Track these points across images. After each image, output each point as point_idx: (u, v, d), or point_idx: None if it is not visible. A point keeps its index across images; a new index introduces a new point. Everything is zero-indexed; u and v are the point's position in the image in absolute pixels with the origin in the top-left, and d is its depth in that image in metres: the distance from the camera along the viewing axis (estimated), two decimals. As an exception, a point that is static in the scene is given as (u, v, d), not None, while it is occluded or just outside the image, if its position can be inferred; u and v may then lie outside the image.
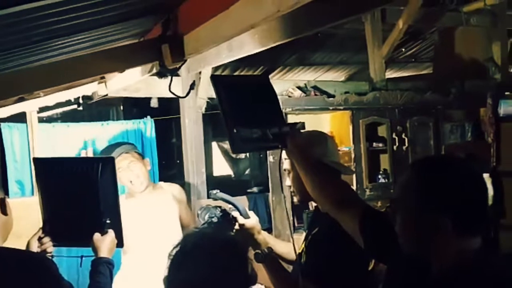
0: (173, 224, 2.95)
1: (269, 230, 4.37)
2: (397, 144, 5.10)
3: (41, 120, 4.55)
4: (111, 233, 1.92)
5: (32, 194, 4.11)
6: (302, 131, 1.84)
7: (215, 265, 1.25)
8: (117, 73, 3.66)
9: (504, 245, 2.99)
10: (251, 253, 1.85)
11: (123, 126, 4.65)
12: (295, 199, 2.00)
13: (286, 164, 1.95)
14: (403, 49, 6.92)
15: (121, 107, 6.71)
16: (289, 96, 4.88)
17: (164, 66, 2.64)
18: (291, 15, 1.99)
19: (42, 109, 4.44)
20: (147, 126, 4.69)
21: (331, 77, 7.36)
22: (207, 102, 4.47)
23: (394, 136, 5.09)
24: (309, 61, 6.94)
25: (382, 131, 5.18)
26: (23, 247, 1.87)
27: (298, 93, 4.95)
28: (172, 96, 3.03)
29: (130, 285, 2.78)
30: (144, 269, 2.78)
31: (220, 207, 2.05)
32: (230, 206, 2.05)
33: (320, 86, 5.24)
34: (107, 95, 4.38)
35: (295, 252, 1.82)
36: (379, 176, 5.10)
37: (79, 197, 1.96)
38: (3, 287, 1.54)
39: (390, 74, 7.11)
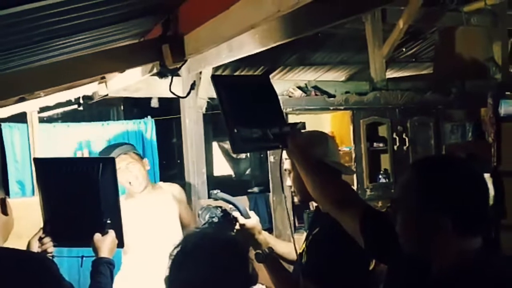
0: (173, 224, 2.95)
1: (269, 230, 4.37)
2: (397, 144, 5.10)
3: (41, 120, 4.55)
4: (111, 233, 1.92)
5: (33, 194, 4.11)
6: (302, 131, 1.83)
7: (216, 265, 1.25)
8: (117, 73, 3.66)
9: (504, 246, 2.99)
10: (252, 253, 1.85)
11: (124, 126, 4.65)
12: (296, 199, 2.00)
13: (286, 164, 1.95)
14: (404, 49, 6.92)
15: (122, 107, 6.71)
16: (290, 96, 4.88)
17: (165, 66, 2.65)
18: (291, 15, 1.99)
19: (42, 109, 4.44)
20: (147, 126, 4.69)
21: (332, 77, 7.36)
22: (208, 102, 4.47)
23: (394, 136, 5.09)
24: (310, 61, 6.94)
25: (382, 131, 5.17)
26: (24, 247, 1.87)
27: (298, 93, 4.95)
28: (173, 96, 3.04)
29: (131, 285, 2.78)
30: (145, 269, 2.78)
31: (220, 207, 2.05)
32: (231, 206, 2.05)
33: (321, 86, 5.24)
34: (107, 95, 4.38)
35: (296, 252, 1.82)
36: (380, 176, 5.10)
37: (80, 197, 1.96)
38: (3, 287, 1.54)
39: (390, 74, 7.10)
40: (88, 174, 1.94)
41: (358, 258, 1.69)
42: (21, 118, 4.23)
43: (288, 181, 1.96)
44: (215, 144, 7.40)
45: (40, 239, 1.92)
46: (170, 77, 2.80)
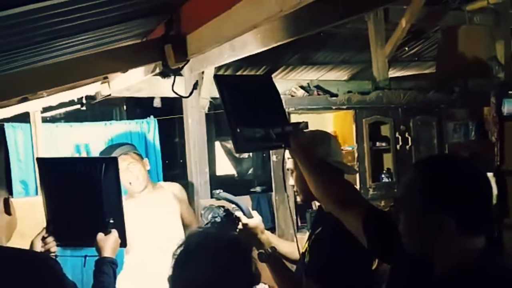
0: (174, 223, 2.96)
1: (272, 229, 4.37)
2: (400, 143, 5.09)
3: (44, 120, 4.56)
4: (114, 232, 1.92)
5: (36, 193, 4.11)
6: (305, 130, 1.84)
7: (219, 264, 1.25)
8: (120, 73, 3.67)
9: (508, 245, 2.98)
10: (255, 253, 1.85)
11: (126, 126, 4.65)
12: (298, 199, 2.00)
13: (289, 164, 1.95)
14: (406, 48, 6.90)
15: (124, 107, 6.71)
16: (292, 96, 4.88)
17: (167, 66, 2.65)
18: (294, 15, 1.99)
19: (45, 109, 4.45)
20: (150, 126, 4.69)
21: (334, 76, 7.35)
22: (210, 101, 4.47)
23: (397, 135, 5.08)
24: (312, 61, 6.93)
25: (385, 130, 5.17)
26: (27, 247, 1.87)
27: (301, 92, 4.95)
28: (175, 96, 3.04)
29: (133, 285, 2.79)
30: (147, 268, 2.79)
31: (223, 206, 2.05)
32: (233, 205, 2.06)
33: (323, 86, 5.24)
34: (110, 95, 4.39)
35: (299, 251, 1.82)
36: (383, 176, 5.10)
37: (83, 197, 1.97)
38: (7, 286, 1.55)
39: (393, 73, 7.09)
40: (90, 173, 1.94)
41: (361, 258, 1.69)
42: (24, 118, 4.24)
43: (291, 181, 1.96)
44: (217, 144, 7.41)
45: (43, 238, 1.92)
46: (172, 77, 2.80)
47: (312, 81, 5.33)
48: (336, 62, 7.11)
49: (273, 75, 6.26)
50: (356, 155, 4.93)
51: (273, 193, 4.57)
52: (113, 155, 2.66)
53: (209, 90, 4.31)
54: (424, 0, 5.07)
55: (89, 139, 4.41)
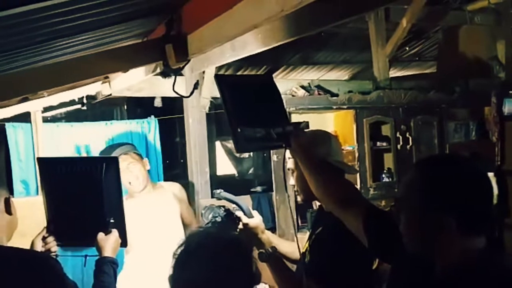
0: (174, 223, 2.97)
1: (272, 229, 4.37)
2: (401, 143, 5.09)
3: (45, 120, 4.56)
4: (115, 232, 1.92)
5: (37, 193, 4.12)
6: (306, 130, 1.84)
7: (219, 264, 1.25)
8: (121, 73, 3.67)
9: (508, 245, 2.98)
10: (255, 253, 1.85)
11: (127, 126, 4.65)
12: (299, 198, 2.00)
13: (290, 163, 1.95)
14: (407, 48, 6.89)
15: (125, 107, 6.71)
16: (293, 95, 4.88)
17: (168, 66, 2.65)
18: (295, 14, 1.99)
19: (46, 109, 4.45)
20: (151, 125, 4.69)
21: (335, 76, 7.35)
22: (211, 101, 4.47)
23: (398, 135, 5.08)
24: (313, 60, 6.93)
25: (386, 130, 5.17)
26: (28, 246, 1.87)
27: (301, 92, 4.95)
28: (176, 95, 3.04)
29: (133, 284, 2.79)
30: (147, 268, 2.79)
31: (223, 206, 2.05)
32: (234, 205, 2.06)
33: (324, 85, 5.23)
34: (111, 94, 4.39)
35: (299, 251, 1.82)
36: (383, 175, 5.09)
37: (83, 196, 1.97)
38: (7, 286, 1.55)
39: (394, 73, 7.09)
40: (91, 173, 1.94)
41: (361, 257, 1.69)
42: (25, 117, 4.24)
43: (291, 180, 1.96)
44: (218, 144, 7.40)
45: (44, 238, 1.93)
46: (173, 77, 2.80)
47: (312, 81, 5.33)
48: (336, 62, 7.10)
49: (273, 75, 6.27)
50: (356, 155, 4.93)
51: (274, 193, 4.57)
52: (113, 155, 2.66)
53: (210, 90, 4.31)
54: (425, 0, 5.07)
55: (90, 139, 4.41)
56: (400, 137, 5.08)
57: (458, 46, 6.02)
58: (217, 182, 5.23)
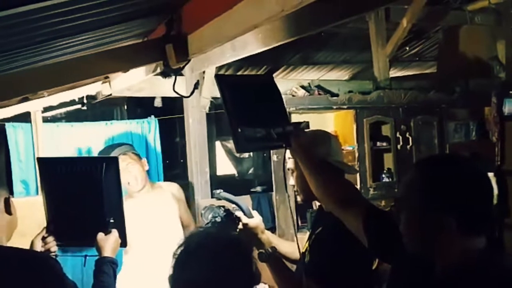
0: (173, 223, 2.97)
1: (272, 229, 4.37)
2: (401, 143, 5.09)
3: (45, 119, 4.56)
4: (114, 232, 1.92)
5: (37, 193, 4.11)
6: (306, 130, 1.84)
7: (219, 264, 1.25)
8: (121, 73, 3.66)
9: (508, 245, 2.98)
10: (255, 253, 1.85)
11: (127, 125, 4.65)
12: (299, 198, 2.00)
13: (290, 164, 1.95)
14: (407, 48, 6.89)
15: (125, 107, 6.71)
16: (293, 95, 4.88)
17: (168, 65, 2.65)
18: (295, 14, 1.98)
19: (46, 109, 4.45)
20: (151, 125, 4.69)
21: (335, 76, 7.35)
22: (211, 101, 4.47)
23: (398, 135, 5.08)
24: (313, 60, 6.93)
25: (386, 130, 5.17)
26: (27, 246, 1.87)
27: (301, 92, 4.95)
28: (176, 95, 3.04)
29: (132, 285, 2.79)
30: (146, 268, 2.79)
31: (223, 206, 2.05)
32: (234, 205, 2.06)
33: (324, 85, 5.24)
34: (111, 94, 4.39)
35: (299, 251, 1.82)
36: (383, 175, 5.09)
37: (83, 196, 1.97)
38: (7, 286, 1.55)
39: (394, 73, 7.09)
40: (91, 173, 1.94)
41: (361, 258, 1.69)
42: (25, 117, 4.24)
43: (291, 180, 1.96)
44: (218, 144, 7.41)
45: (44, 238, 1.92)
46: (173, 77, 2.80)
47: (313, 81, 5.33)
48: (337, 62, 7.11)
49: (274, 75, 6.26)
50: (356, 155, 4.93)
51: (274, 193, 4.57)
52: (112, 155, 2.66)
53: (210, 90, 4.31)
54: (425, 0, 5.07)
55: (90, 139, 4.41)
56: (400, 137, 5.08)
57: (458, 46, 6.01)
58: (217, 182, 5.24)
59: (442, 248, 1.20)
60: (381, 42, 5.25)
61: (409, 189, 1.27)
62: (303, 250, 1.88)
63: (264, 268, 1.72)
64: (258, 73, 6.53)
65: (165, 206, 2.97)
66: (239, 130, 1.64)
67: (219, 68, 4.83)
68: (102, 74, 3.31)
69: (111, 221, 1.94)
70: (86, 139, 4.41)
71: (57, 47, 2.65)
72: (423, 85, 5.68)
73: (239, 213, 2.03)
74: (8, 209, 1.70)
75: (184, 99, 4.29)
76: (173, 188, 3.14)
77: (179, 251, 1.29)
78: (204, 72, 4.18)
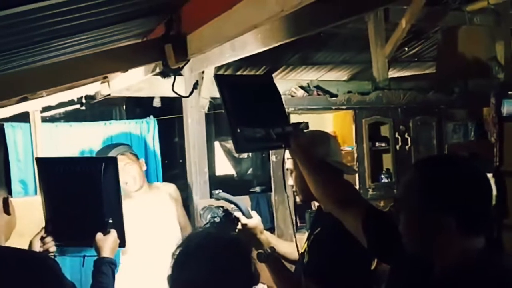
0: (170, 223, 2.97)
1: (271, 229, 4.37)
2: (400, 143, 5.09)
3: (44, 119, 4.54)
4: (113, 233, 1.92)
5: (35, 193, 4.11)
6: (305, 131, 1.83)
7: (218, 264, 1.25)
8: (120, 73, 3.66)
9: (507, 245, 2.98)
10: (254, 253, 1.85)
11: (126, 125, 4.64)
12: (298, 199, 2.01)
13: (289, 164, 1.95)
14: (406, 49, 6.89)
15: (124, 107, 6.70)
16: (292, 96, 4.88)
17: (167, 66, 2.64)
18: (294, 15, 1.98)
19: (45, 109, 4.43)
20: (150, 125, 4.68)
21: (334, 76, 7.35)
22: (210, 101, 4.47)
23: (397, 135, 5.09)
24: (312, 61, 6.93)
25: (385, 130, 5.17)
26: (26, 246, 1.87)
27: (300, 92, 4.95)
28: (175, 95, 3.03)
29: (130, 285, 2.78)
30: (143, 268, 2.79)
31: (222, 207, 2.05)
32: (233, 206, 2.06)
33: (323, 86, 5.23)
34: (110, 94, 4.38)
35: (298, 251, 1.82)
36: (382, 176, 5.10)
37: (82, 197, 1.96)
38: (5, 286, 1.55)
39: (393, 73, 7.08)
40: (90, 173, 1.94)
41: (360, 258, 1.69)
42: (23, 117, 4.23)
43: (290, 181, 1.96)
44: (217, 144, 7.40)
45: (42, 238, 1.92)
46: (172, 77, 2.80)
47: (312, 81, 5.33)
48: (336, 62, 7.10)
49: (273, 75, 6.26)
50: (355, 155, 4.93)
51: (273, 193, 4.57)
52: (109, 155, 2.66)
53: (209, 90, 4.31)
54: (424, 1, 5.07)
55: (89, 139, 4.40)
56: (399, 138, 5.09)
57: (457, 46, 6.02)
58: (216, 182, 5.23)
59: (441, 248, 1.20)
60: (380, 42, 5.26)
61: (408, 190, 1.27)
62: (302, 251, 1.88)
63: (263, 269, 1.71)
64: (258, 73, 6.52)
65: (163, 206, 2.97)
66: (238, 130, 1.64)
67: (218, 68, 4.83)
68: (101, 74, 3.31)
69: (110, 221, 1.94)
70: (85, 139, 4.40)
71: (56, 47, 2.65)
72: (422, 85, 5.68)
73: (238, 214, 2.02)
74: (6, 209, 1.70)
75: (183, 99, 4.28)
76: (170, 188, 3.14)
77: (178, 251, 1.29)
78: (203, 72, 4.17)
